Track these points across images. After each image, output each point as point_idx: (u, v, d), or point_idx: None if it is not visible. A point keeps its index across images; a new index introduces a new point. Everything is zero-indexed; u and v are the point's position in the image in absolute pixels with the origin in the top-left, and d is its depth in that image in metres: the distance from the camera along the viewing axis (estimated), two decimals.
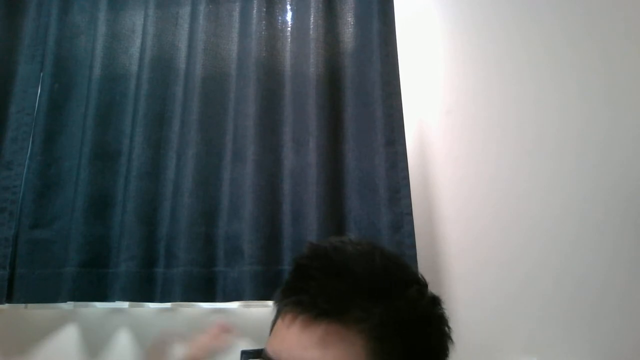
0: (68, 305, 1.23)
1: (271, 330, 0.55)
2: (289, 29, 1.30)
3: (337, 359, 0.46)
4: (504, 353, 1.09)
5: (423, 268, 1.11)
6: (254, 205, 1.15)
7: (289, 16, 1.32)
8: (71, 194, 1.24)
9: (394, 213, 1.11)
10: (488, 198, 1.19)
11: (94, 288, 1.16)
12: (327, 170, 1.16)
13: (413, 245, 1.09)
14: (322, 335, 0.47)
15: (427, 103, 1.27)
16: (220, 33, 1.32)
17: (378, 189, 1.13)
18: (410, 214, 1.10)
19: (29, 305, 1.25)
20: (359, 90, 1.21)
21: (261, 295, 1.09)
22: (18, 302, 1.19)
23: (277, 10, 1.32)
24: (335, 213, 1.15)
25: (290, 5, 1.32)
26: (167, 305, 1.21)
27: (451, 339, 0.52)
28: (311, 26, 1.26)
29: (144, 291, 1.15)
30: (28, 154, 1.29)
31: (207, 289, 1.14)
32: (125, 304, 1.22)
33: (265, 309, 1.17)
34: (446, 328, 0.52)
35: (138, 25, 1.37)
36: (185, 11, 1.35)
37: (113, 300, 1.15)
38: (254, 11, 1.29)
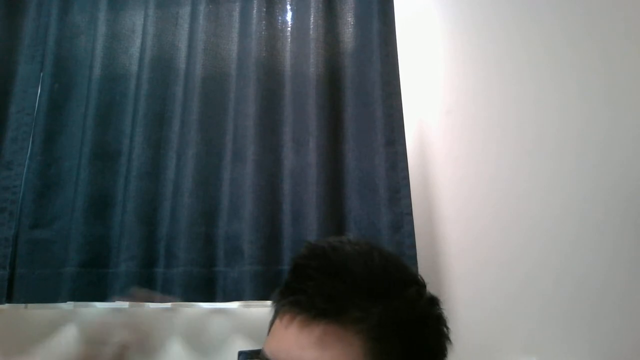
0: (68, 305, 1.23)
1: (269, 330, 0.55)
2: (289, 29, 1.30)
3: (335, 359, 0.46)
4: (503, 353, 1.09)
5: (423, 268, 1.11)
6: (254, 205, 1.15)
7: (289, 16, 1.32)
8: (71, 194, 1.24)
9: (394, 213, 1.11)
10: (488, 198, 1.19)
11: (94, 288, 1.16)
12: (327, 170, 1.16)
13: (413, 245, 1.08)
14: (320, 335, 0.47)
15: (427, 103, 1.27)
16: (220, 33, 1.32)
17: (378, 189, 1.13)
18: (410, 214, 1.10)
19: (29, 305, 1.25)
20: (359, 90, 1.21)
21: (261, 295, 1.09)
22: (18, 302, 1.19)
23: (277, 10, 1.32)
24: (335, 213, 1.15)
25: (290, 5, 1.32)
26: (167, 305, 1.20)
27: (449, 339, 0.52)
28: (311, 26, 1.26)
29: None
30: (28, 154, 1.29)
31: (207, 289, 1.14)
32: (125, 304, 1.22)
33: (265, 309, 1.16)
34: (444, 328, 0.52)
35: (138, 25, 1.37)
36: (185, 11, 1.35)
37: (113, 300, 1.15)
38: (254, 11, 1.29)
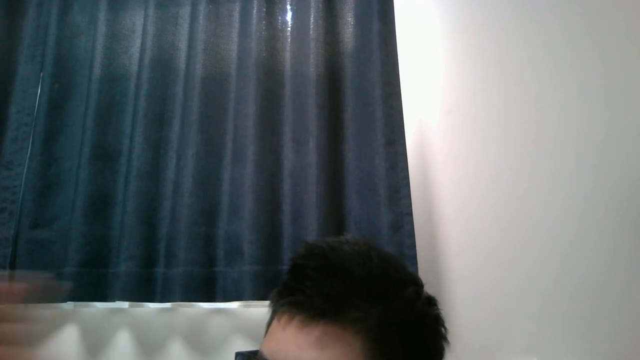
0: (68, 305, 1.23)
1: (266, 331, 0.54)
2: (289, 29, 1.30)
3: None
4: (503, 353, 1.09)
5: (423, 268, 1.11)
6: (254, 205, 1.15)
7: (289, 16, 1.32)
8: (71, 194, 1.24)
9: (394, 213, 1.11)
10: (488, 198, 1.19)
11: (94, 288, 1.17)
12: (327, 170, 1.16)
13: (413, 245, 1.08)
14: (319, 335, 0.47)
15: (427, 103, 1.27)
16: (220, 33, 1.32)
17: (378, 189, 1.13)
18: (410, 214, 1.10)
19: (29, 305, 1.24)
20: (359, 90, 1.21)
21: (261, 295, 1.09)
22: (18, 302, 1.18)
23: (277, 10, 1.32)
24: (335, 213, 1.15)
25: (290, 5, 1.32)
26: (167, 305, 1.21)
27: (447, 340, 0.52)
28: (311, 26, 1.26)
29: (144, 291, 1.15)
30: (28, 154, 1.29)
31: (207, 289, 1.14)
32: (125, 304, 1.22)
33: (265, 309, 1.15)
34: (442, 328, 0.52)
35: (138, 25, 1.37)
36: (185, 11, 1.35)
37: (113, 300, 1.15)
38: (254, 11, 1.29)
